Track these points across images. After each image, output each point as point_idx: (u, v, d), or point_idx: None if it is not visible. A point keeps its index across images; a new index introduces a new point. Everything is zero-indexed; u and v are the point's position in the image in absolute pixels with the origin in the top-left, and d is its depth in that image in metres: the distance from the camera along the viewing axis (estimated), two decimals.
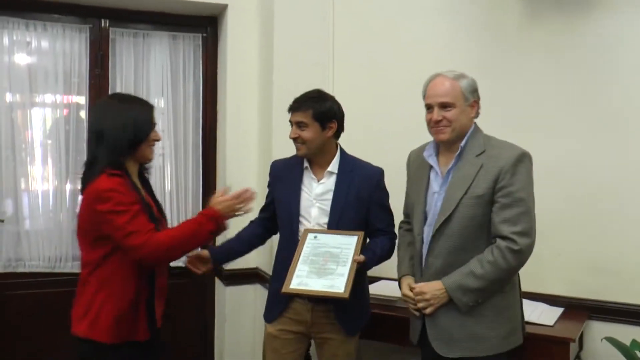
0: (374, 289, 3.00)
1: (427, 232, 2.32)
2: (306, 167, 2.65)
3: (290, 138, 2.60)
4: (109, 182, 2.16)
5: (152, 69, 3.78)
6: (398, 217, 2.67)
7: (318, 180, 2.63)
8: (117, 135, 2.24)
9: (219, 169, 3.81)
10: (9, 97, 3.51)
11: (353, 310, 2.55)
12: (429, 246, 2.31)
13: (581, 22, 2.90)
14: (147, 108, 2.36)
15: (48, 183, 3.56)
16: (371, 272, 3.09)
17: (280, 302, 2.60)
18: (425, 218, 2.35)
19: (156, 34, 3.79)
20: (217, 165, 3.84)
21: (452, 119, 2.26)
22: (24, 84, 3.52)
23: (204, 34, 3.88)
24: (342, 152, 2.68)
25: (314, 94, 2.62)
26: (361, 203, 2.59)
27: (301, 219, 2.61)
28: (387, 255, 2.63)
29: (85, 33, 3.63)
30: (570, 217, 2.91)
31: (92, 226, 2.21)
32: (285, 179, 2.69)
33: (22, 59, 3.54)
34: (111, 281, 2.20)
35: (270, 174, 2.81)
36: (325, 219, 2.58)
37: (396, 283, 2.80)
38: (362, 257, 2.44)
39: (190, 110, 3.86)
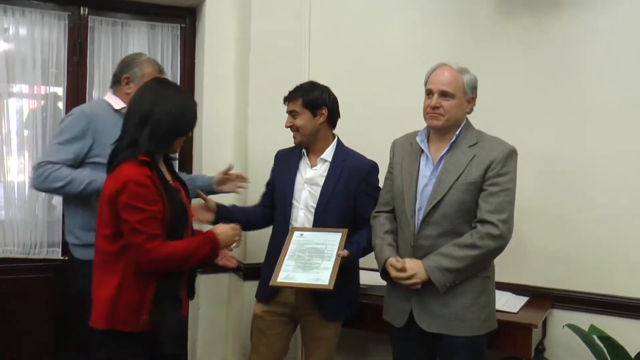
0: None
1: (419, 215, 2.40)
2: (303, 154, 2.81)
3: (286, 127, 2.76)
4: (139, 172, 2.12)
5: None
6: None
7: (311, 166, 2.76)
8: (166, 123, 2.20)
9: (195, 159, 3.82)
10: None
11: (335, 298, 2.62)
12: (419, 229, 2.39)
13: (551, 18, 3.00)
14: (194, 101, 2.36)
15: (24, 174, 3.54)
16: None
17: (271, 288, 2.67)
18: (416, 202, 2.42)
19: (135, 23, 3.79)
20: (193, 155, 3.85)
21: (448, 109, 2.37)
22: (1, 72, 3.50)
23: (183, 25, 3.89)
24: (339, 142, 2.82)
25: (306, 85, 2.79)
26: (348, 192, 2.71)
27: (293, 201, 2.76)
28: (371, 248, 2.69)
29: (64, 20, 3.61)
30: (539, 208, 3.00)
31: (111, 214, 2.16)
32: (284, 165, 2.86)
33: None
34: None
35: (274, 163, 2.96)
36: (313, 203, 2.71)
37: (370, 273, 2.88)
38: (345, 252, 2.54)
39: None
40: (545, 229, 3.01)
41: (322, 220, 2.69)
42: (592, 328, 2.57)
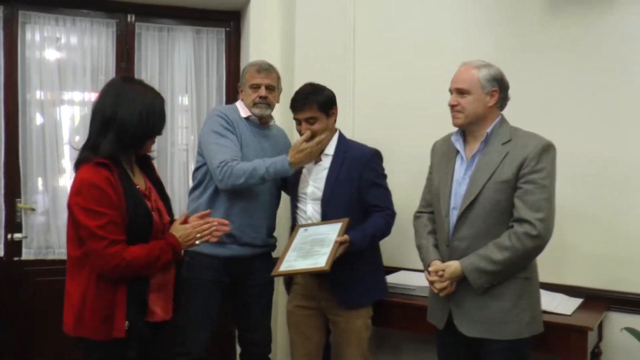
0: (394, 279, 3.06)
1: (453, 215, 2.37)
2: None
3: (303, 134, 2.75)
4: (95, 174, 2.01)
5: (177, 63, 3.86)
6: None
7: (315, 163, 2.80)
8: (130, 124, 2.06)
9: None
10: (39, 91, 3.62)
11: (351, 284, 2.70)
12: (454, 230, 2.36)
13: (601, 15, 2.89)
14: (161, 98, 2.19)
15: None
16: (391, 263, 3.15)
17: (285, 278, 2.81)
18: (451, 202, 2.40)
19: (180, 28, 3.87)
20: None
21: (465, 106, 2.35)
22: (53, 80, 3.63)
23: (227, 29, 3.94)
24: (340, 135, 2.86)
25: (310, 89, 2.79)
26: (352, 180, 2.75)
27: (300, 196, 2.84)
28: (382, 233, 2.77)
29: (112, 28, 3.72)
30: (590, 208, 2.90)
31: (71, 218, 2.08)
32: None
33: (52, 54, 3.65)
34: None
35: None
36: (318, 195, 2.76)
37: (414, 273, 2.86)
38: (344, 237, 2.57)
39: (214, 104, 3.92)
40: (598, 229, 2.91)
41: (328, 210, 2.73)
42: None
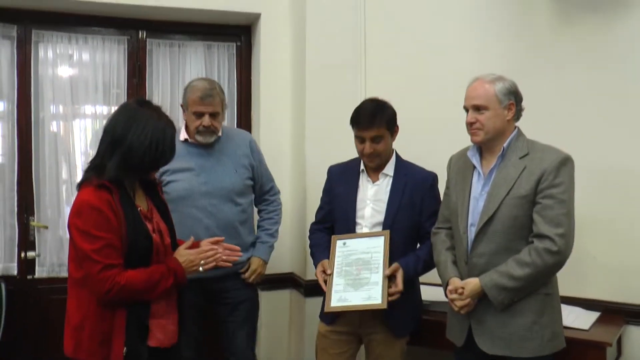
0: None
1: (471, 232, 2.35)
2: (362, 170, 2.73)
3: (364, 153, 2.62)
4: (96, 196, 1.99)
5: (188, 78, 3.82)
6: None
7: (373, 182, 2.69)
8: (139, 149, 2.03)
9: None
10: (52, 108, 3.64)
11: (402, 311, 2.58)
12: (472, 246, 2.34)
13: (613, 21, 2.87)
14: (174, 128, 2.17)
15: None
16: None
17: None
18: (469, 219, 2.38)
19: (191, 43, 3.88)
20: None
21: (484, 122, 2.31)
22: (66, 95, 3.65)
23: (238, 43, 3.95)
24: (397, 155, 2.75)
25: (377, 105, 2.65)
26: (414, 206, 2.65)
27: (357, 219, 2.68)
28: (435, 263, 2.60)
29: (124, 44, 3.74)
30: (606, 220, 2.87)
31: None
32: (342, 183, 2.77)
33: (64, 71, 3.67)
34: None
35: (328, 179, 2.88)
36: (379, 219, 2.64)
37: (432, 287, 2.83)
38: (391, 269, 2.49)
39: (226, 118, 3.89)
40: (614, 241, 2.87)
41: (390, 236, 2.58)
42: None
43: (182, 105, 2.98)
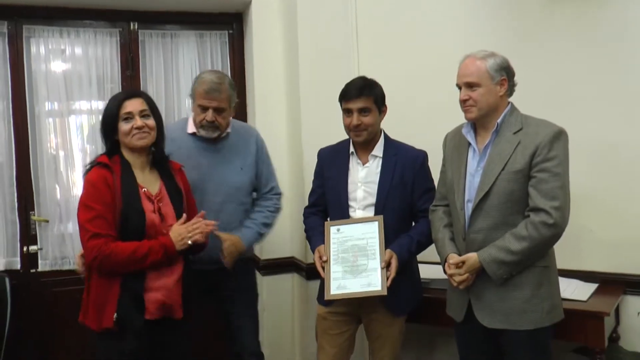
0: None
1: (468, 208, 2.38)
2: (352, 153, 2.73)
3: (351, 126, 2.62)
4: (94, 173, 2.28)
5: (181, 68, 3.87)
6: None
7: (363, 164, 2.70)
8: (101, 128, 2.40)
9: None
10: (47, 105, 3.64)
11: (401, 291, 2.61)
12: (469, 222, 2.37)
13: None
14: (113, 101, 2.39)
15: None
16: None
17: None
18: (466, 195, 2.40)
19: (183, 33, 3.88)
20: None
21: (477, 99, 2.33)
22: (60, 91, 3.65)
23: (230, 31, 3.95)
24: (386, 136, 2.75)
25: (368, 81, 2.67)
26: (405, 185, 2.66)
27: (349, 202, 2.69)
28: (427, 239, 2.64)
29: (116, 37, 3.74)
30: (602, 194, 2.90)
31: None
32: (333, 166, 2.77)
33: (58, 66, 3.67)
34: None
35: (318, 162, 2.88)
36: (371, 201, 2.65)
37: (431, 266, 2.86)
38: (387, 256, 2.52)
39: None
40: (610, 213, 2.91)
41: (383, 219, 2.60)
42: None
43: (190, 96, 2.90)
